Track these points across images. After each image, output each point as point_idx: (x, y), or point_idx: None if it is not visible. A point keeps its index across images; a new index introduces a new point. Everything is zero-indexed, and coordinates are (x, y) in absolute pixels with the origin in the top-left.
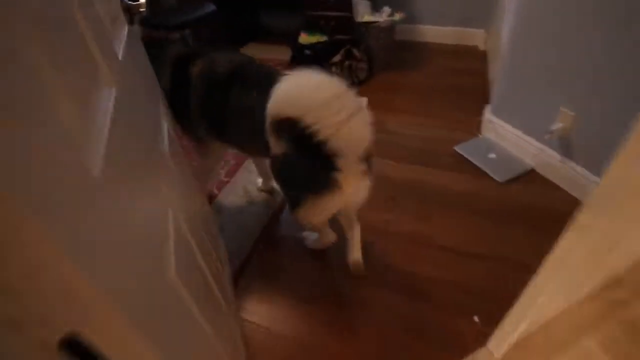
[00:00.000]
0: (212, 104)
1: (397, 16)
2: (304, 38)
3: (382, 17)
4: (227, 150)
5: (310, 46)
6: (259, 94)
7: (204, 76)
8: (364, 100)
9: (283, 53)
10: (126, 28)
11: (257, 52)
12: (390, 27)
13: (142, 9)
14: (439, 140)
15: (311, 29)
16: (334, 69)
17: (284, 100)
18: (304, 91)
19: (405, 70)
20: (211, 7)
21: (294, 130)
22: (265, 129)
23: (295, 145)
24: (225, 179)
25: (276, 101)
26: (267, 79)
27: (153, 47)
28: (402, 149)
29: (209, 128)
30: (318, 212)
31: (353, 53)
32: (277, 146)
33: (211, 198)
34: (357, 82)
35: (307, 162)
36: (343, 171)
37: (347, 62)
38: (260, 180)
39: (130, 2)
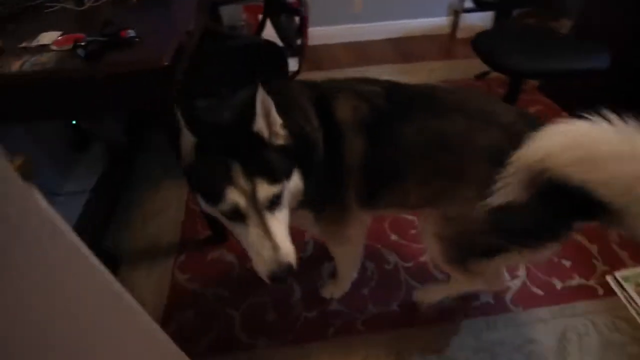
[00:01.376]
0: (380, 152)
1: None
2: None
3: None
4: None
5: None
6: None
7: (362, 117)
8: None
9: None
10: None
11: None
12: None
13: None
14: None
15: None
16: None
17: (561, 150)
18: (597, 145)
19: None
20: (604, 60)
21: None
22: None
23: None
24: (469, 306)
25: (546, 148)
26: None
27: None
28: None
29: (366, 188)
30: (521, 261)
31: None
32: (512, 191)
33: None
34: None
35: (548, 208)
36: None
37: None
38: None
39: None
